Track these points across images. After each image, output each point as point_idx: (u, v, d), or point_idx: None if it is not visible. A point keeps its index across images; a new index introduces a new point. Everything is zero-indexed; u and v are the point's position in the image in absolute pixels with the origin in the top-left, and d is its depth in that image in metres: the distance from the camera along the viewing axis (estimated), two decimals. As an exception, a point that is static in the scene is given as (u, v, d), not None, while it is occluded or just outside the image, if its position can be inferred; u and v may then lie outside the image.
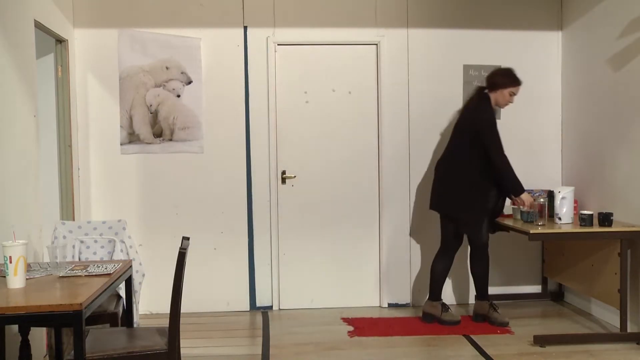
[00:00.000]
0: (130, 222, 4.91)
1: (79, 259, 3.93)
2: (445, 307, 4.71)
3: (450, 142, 4.70)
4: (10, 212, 3.53)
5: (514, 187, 4.48)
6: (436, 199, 4.72)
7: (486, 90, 4.62)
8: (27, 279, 2.83)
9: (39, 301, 2.48)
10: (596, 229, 4.22)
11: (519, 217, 4.70)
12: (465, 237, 4.76)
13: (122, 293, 3.77)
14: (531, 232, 4.19)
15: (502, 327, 4.55)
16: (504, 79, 4.57)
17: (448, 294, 5.21)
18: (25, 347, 3.18)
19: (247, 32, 5.09)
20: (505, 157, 4.46)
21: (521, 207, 4.52)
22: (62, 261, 3.19)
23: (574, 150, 5.14)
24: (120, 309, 3.67)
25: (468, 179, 4.55)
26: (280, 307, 5.18)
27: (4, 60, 3.52)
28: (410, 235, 5.21)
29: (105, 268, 3.07)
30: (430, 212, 5.13)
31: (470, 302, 5.25)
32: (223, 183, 5.11)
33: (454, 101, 5.21)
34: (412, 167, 5.19)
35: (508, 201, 5.20)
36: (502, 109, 5.02)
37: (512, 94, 4.58)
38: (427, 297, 4.80)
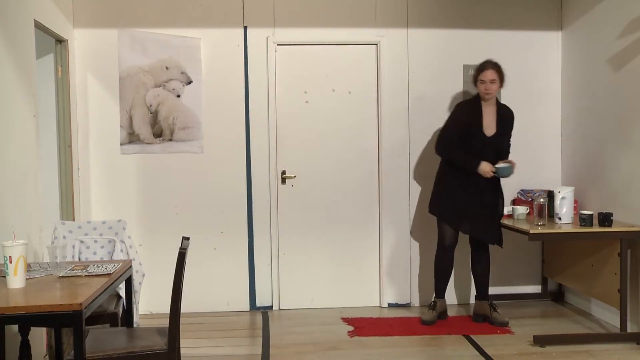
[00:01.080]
0: (130, 222, 4.90)
1: (79, 259, 3.93)
2: (430, 305, 4.76)
3: None
4: (10, 212, 3.53)
5: (467, 166, 4.51)
6: None
7: None
8: (27, 279, 2.83)
9: (39, 301, 2.48)
10: (596, 229, 4.22)
11: (516, 216, 4.71)
12: (464, 237, 4.79)
13: (122, 293, 3.77)
14: (531, 232, 4.19)
15: (502, 327, 4.55)
16: (474, 71, 4.66)
17: (449, 294, 5.21)
18: (25, 347, 3.17)
19: (247, 32, 5.08)
20: (443, 145, 4.59)
21: (490, 174, 4.47)
22: (62, 261, 3.19)
23: (574, 150, 5.14)
24: (120, 309, 3.67)
25: (438, 175, 4.76)
26: (280, 307, 5.18)
27: (4, 60, 3.52)
28: (410, 235, 5.21)
29: (105, 268, 3.07)
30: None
31: (471, 302, 5.25)
32: (223, 183, 5.10)
33: (454, 101, 5.20)
34: (412, 167, 5.19)
35: (507, 202, 5.22)
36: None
37: (482, 82, 4.53)
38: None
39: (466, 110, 4.58)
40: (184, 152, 5.07)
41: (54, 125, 4.61)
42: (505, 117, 4.63)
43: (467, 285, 5.27)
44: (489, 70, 4.51)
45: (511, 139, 4.72)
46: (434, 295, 4.80)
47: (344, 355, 4.07)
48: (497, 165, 4.44)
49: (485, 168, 4.45)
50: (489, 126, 4.55)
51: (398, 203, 5.18)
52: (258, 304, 5.16)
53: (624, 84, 4.41)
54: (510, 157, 5.20)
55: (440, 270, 4.74)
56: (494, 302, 4.77)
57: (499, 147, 4.58)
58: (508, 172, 4.44)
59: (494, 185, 4.60)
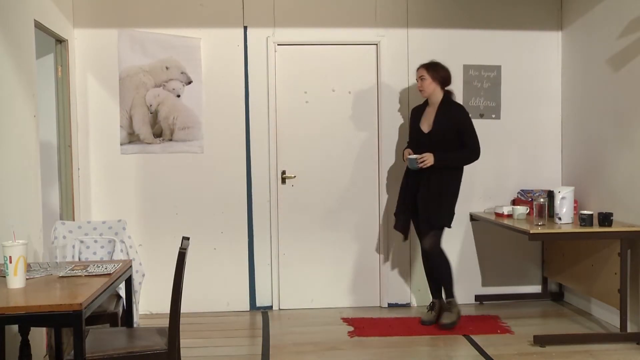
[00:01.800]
0: (130, 222, 4.89)
1: (79, 259, 3.93)
2: (430, 306, 4.76)
3: None
4: (10, 212, 3.53)
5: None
6: None
7: None
8: (27, 279, 2.82)
9: (39, 301, 2.48)
10: (596, 229, 4.22)
11: (516, 216, 4.71)
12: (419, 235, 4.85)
13: (122, 293, 3.77)
14: (531, 232, 4.19)
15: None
16: None
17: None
18: (25, 347, 3.17)
19: (247, 32, 5.08)
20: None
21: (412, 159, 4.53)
22: (62, 261, 3.19)
23: (574, 150, 5.14)
24: (120, 309, 3.67)
25: None
26: (280, 307, 5.18)
27: (4, 60, 3.52)
28: (410, 235, 5.20)
29: (105, 268, 3.07)
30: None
31: (467, 303, 5.24)
32: (223, 183, 5.10)
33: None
34: (412, 167, 5.19)
35: (507, 202, 5.21)
36: (501, 110, 5.17)
37: (417, 80, 4.67)
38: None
39: (412, 112, 4.81)
40: (184, 152, 5.07)
41: (54, 125, 4.61)
42: (445, 114, 4.54)
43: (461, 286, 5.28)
44: (418, 69, 4.67)
45: (471, 137, 4.55)
46: (431, 296, 4.80)
47: (344, 355, 4.07)
48: (408, 157, 4.56)
49: (404, 156, 4.69)
50: (428, 124, 4.60)
51: (398, 203, 5.18)
52: (258, 304, 5.16)
53: (624, 84, 4.41)
54: (511, 157, 5.26)
55: (426, 272, 4.82)
56: (450, 300, 4.64)
57: (442, 144, 4.49)
58: (412, 163, 4.50)
59: (433, 182, 4.51)
